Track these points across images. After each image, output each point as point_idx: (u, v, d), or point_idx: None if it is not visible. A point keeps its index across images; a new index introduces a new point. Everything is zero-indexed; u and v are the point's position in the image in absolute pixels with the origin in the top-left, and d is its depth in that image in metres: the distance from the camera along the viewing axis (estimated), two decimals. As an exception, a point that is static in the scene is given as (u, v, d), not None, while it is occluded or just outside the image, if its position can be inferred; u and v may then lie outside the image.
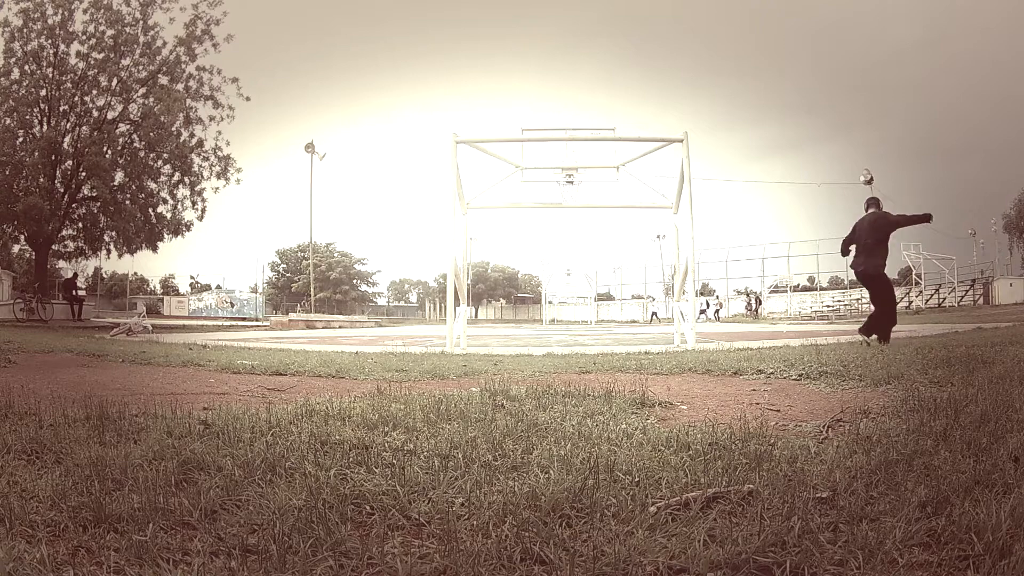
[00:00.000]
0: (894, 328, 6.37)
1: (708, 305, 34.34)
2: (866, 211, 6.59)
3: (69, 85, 19.37)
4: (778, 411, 2.64)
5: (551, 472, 1.59)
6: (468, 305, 10.23)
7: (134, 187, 20.77)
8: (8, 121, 18.88)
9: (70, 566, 1.12)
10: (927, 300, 32.20)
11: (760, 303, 35.27)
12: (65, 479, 1.56)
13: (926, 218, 6.54)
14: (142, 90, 20.07)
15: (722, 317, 33.76)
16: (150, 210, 21.22)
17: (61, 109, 19.63)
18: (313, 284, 40.78)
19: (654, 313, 38.04)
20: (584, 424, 2.26)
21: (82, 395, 2.68)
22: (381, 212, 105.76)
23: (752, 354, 5.12)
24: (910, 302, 32.40)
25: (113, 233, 21.21)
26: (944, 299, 31.91)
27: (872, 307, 6.69)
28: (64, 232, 21.11)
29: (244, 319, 36.28)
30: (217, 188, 21.98)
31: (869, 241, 6.42)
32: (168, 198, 21.64)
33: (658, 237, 44.17)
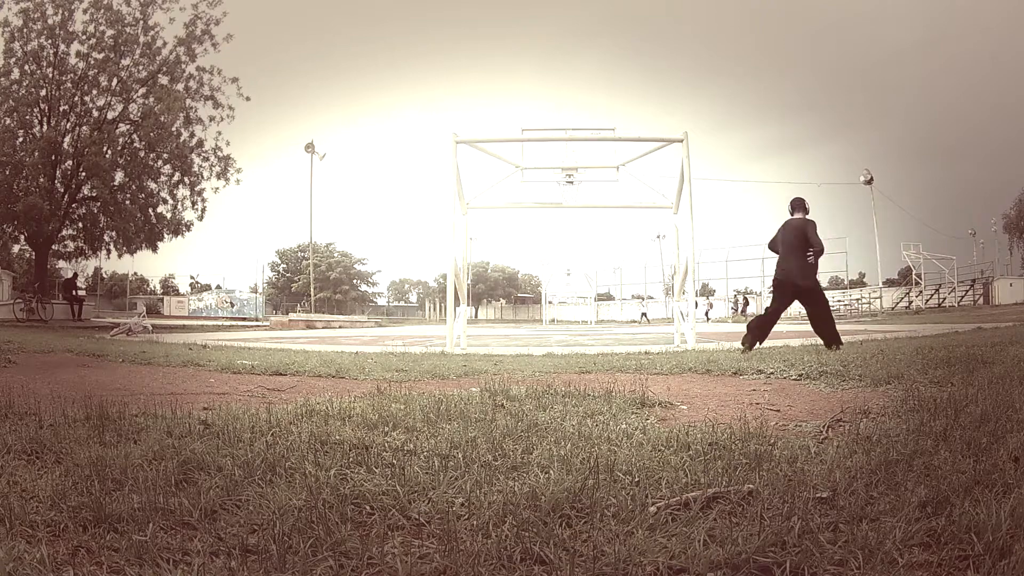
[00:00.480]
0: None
1: (696, 306, 33.87)
2: (792, 213, 6.27)
3: (69, 85, 19.37)
4: (778, 411, 2.64)
5: (551, 472, 1.59)
6: (468, 305, 10.24)
7: (134, 187, 20.76)
8: (8, 121, 18.87)
9: (70, 566, 1.12)
10: (927, 300, 32.20)
11: (748, 303, 34.85)
12: (65, 479, 1.56)
13: (817, 254, 6.16)
14: (142, 90, 20.06)
15: (712, 318, 33.63)
16: (150, 210, 21.22)
17: (61, 109, 19.63)
18: (313, 284, 40.79)
19: (643, 313, 37.82)
20: (584, 424, 2.26)
21: (82, 395, 2.68)
22: (381, 212, 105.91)
23: (752, 354, 5.12)
24: (910, 302, 32.40)
25: (113, 233, 21.21)
26: (944, 299, 31.92)
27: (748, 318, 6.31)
28: (64, 232, 21.11)
29: (244, 319, 36.30)
30: (217, 188, 21.98)
31: (802, 248, 5.97)
32: (168, 198, 21.64)
33: (658, 237, 44.20)
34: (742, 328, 6.24)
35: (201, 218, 22.10)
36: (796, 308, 6.55)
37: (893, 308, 31.94)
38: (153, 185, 21.27)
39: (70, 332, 12.29)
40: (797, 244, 5.99)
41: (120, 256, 22.05)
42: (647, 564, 1.11)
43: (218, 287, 53.14)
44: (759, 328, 6.04)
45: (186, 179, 21.44)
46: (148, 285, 56.63)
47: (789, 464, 1.66)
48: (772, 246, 6.34)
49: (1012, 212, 38.95)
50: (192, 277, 58.67)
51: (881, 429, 2.01)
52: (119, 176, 20.51)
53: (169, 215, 21.66)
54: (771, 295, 6.36)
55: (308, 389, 3.55)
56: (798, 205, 6.33)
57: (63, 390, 3.18)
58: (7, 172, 18.64)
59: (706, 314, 34.14)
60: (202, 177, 21.61)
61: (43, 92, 19.24)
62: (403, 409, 2.54)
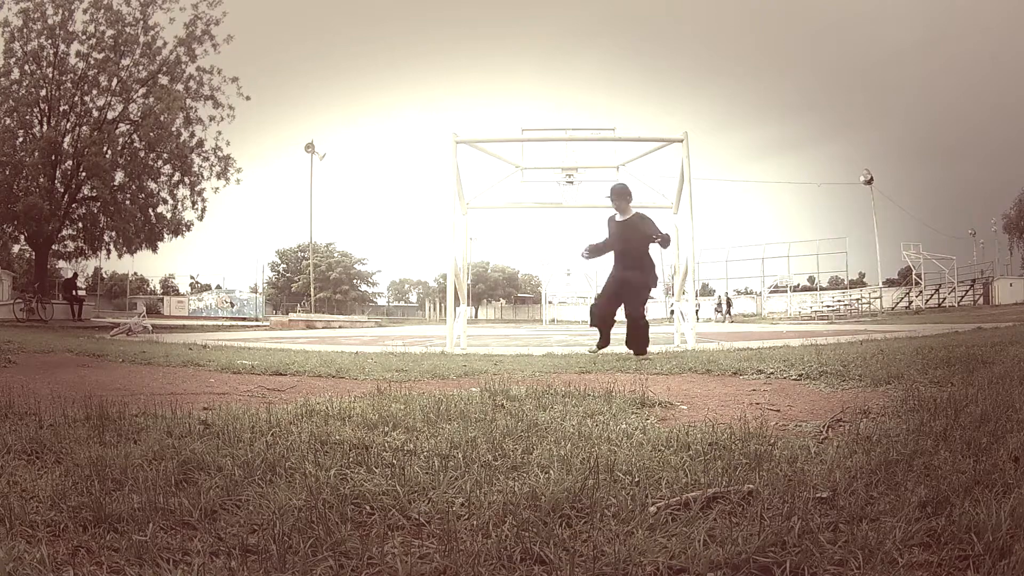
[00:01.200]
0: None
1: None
2: (614, 201, 6.08)
3: (69, 85, 19.38)
4: (778, 411, 2.64)
5: (551, 472, 1.59)
6: (468, 305, 10.23)
7: (134, 187, 20.78)
8: (8, 121, 18.88)
9: (70, 566, 1.12)
10: (927, 300, 32.22)
11: (731, 304, 33.95)
12: (65, 479, 1.56)
13: (664, 241, 6.03)
14: (142, 90, 20.08)
15: (700, 318, 33.32)
16: (150, 210, 21.24)
17: (61, 109, 19.64)
18: (313, 284, 40.81)
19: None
20: (584, 424, 2.26)
21: (82, 395, 2.68)
22: (381, 212, 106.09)
23: (752, 354, 5.12)
24: (910, 302, 32.42)
25: (113, 233, 21.22)
26: (944, 299, 31.95)
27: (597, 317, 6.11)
28: (64, 232, 21.13)
29: (244, 319, 36.30)
30: (217, 188, 22.02)
31: (642, 247, 5.89)
32: (168, 198, 21.68)
33: (658, 237, 44.01)
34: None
35: (201, 218, 22.14)
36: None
37: (893, 308, 31.95)
38: (153, 185, 21.30)
39: (70, 332, 12.30)
40: (641, 244, 5.96)
41: (120, 256, 22.09)
42: (647, 564, 1.11)
43: (218, 287, 53.17)
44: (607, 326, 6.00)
45: (186, 179, 21.46)
46: (148, 285, 56.69)
47: (789, 464, 1.66)
48: (603, 248, 6.03)
49: (1012, 212, 39.03)
50: (192, 277, 58.80)
51: (881, 429, 2.01)
52: (119, 176, 20.53)
53: (169, 215, 21.69)
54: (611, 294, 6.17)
55: (308, 389, 3.55)
56: (627, 193, 6.17)
57: (63, 390, 3.18)
58: (7, 172, 18.65)
59: (695, 313, 33.56)
60: (202, 177, 21.65)
61: (43, 92, 19.26)
62: (403, 409, 2.54)
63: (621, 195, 6.22)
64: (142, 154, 20.59)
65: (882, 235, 36.35)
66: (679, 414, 2.63)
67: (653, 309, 39.86)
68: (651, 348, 7.00)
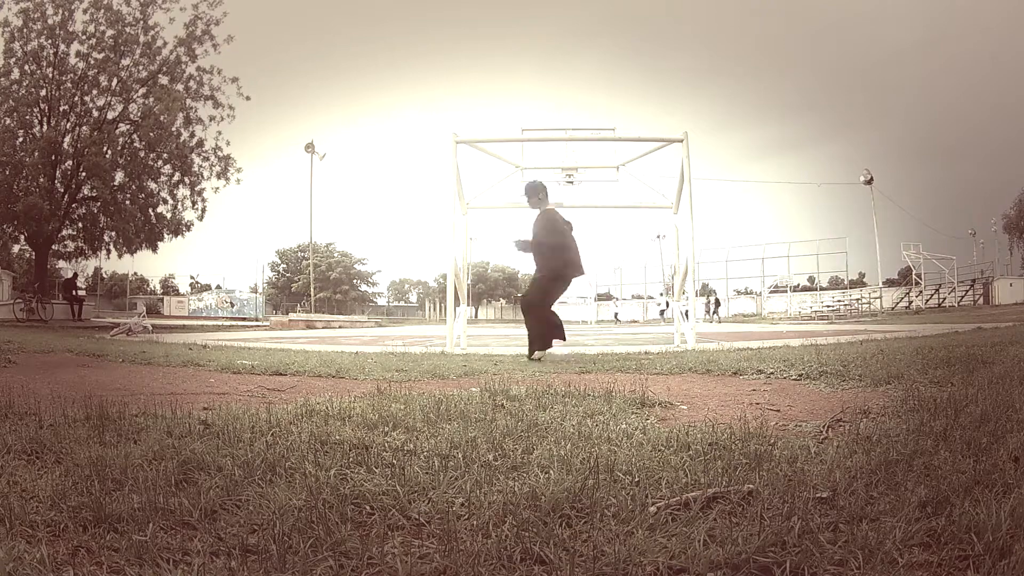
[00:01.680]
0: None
1: (667, 305, 31.09)
2: (538, 199, 6.09)
3: (69, 85, 19.40)
4: (778, 411, 2.64)
5: (551, 472, 1.59)
6: (468, 305, 10.22)
7: (134, 187, 20.80)
8: (8, 121, 18.89)
9: (70, 566, 1.12)
10: (927, 300, 32.23)
11: (719, 304, 33.22)
12: (65, 479, 1.56)
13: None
14: (142, 90, 20.08)
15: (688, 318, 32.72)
16: (150, 210, 21.25)
17: (61, 109, 19.65)
18: (313, 284, 40.83)
19: (616, 314, 36.81)
20: (584, 424, 2.26)
21: (82, 395, 2.68)
22: (381, 212, 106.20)
23: (752, 354, 5.12)
24: (910, 302, 32.42)
25: (113, 233, 21.24)
26: (944, 299, 31.96)
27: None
28: (64, 232, 21.14)
29: (244, 319, 36.33)
30: (217, 188, 22.04)
31: (573, 244, 5.90)
32: (168, 198, 21.70)
33: (658, 237, 44.16)
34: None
35: (201, 218, 22.16)
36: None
37: (893, 308, 31.95)
38: (153, 185, 21.32)
39: (70, 332, 12.30)
40: (572, 235, 5.97)
41: (120, 256, 22.12)
42: (647, 564, 1.11)
43: (218, 287, 53.21)
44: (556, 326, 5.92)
45: (186, 179, 21.48)
46: (148, 285, 56.75)
47: (789, 464, 1.66)
48: (551, 240, 5.93)
49: (1012, 212, 39.10)
50: (192, 277, 58.88)
51: (881, 429, 2.01)
52: (119, 176, 20.55)
53: (169, 215, 21.71)
54: (550, 287, 6.13)
55: (308, 389, 3.55)
56: (543, 191, 6.13)
57: (63, 390, 3.18)
58: (7, 172, 18.66)
59: (684, 313, 33.18)
60: (202, 177, 21.67)
61: (43, 92, 19.27)
62: (403, 409, 2.54)
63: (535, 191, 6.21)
64: (142, 154, 20.60)
65: (882, 235, 36.46)
66: (679, 414, 2.63)
67: (651, 309, 39.88)
68: (651, 348, 7.01)
